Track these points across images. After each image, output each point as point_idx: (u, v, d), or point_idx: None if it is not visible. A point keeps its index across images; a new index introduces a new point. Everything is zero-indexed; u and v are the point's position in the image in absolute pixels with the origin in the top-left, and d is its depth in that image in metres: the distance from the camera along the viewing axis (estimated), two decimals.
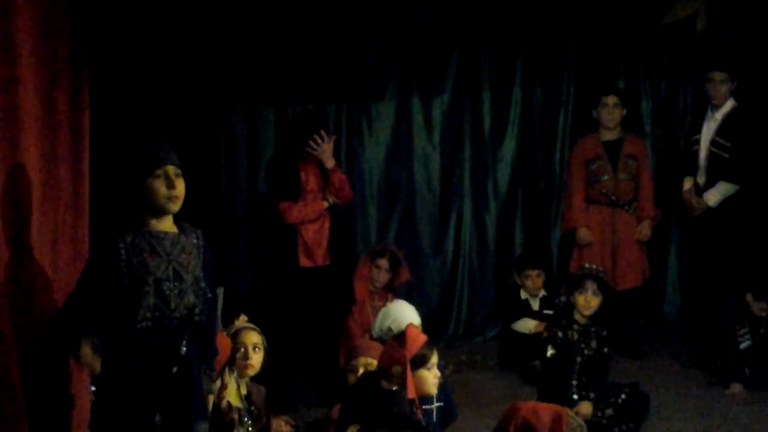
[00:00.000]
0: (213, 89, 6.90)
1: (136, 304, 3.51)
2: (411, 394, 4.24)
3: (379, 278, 6.38)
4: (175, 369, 3.50)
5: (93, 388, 4.34)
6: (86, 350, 3.80)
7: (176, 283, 3.58)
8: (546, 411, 3.32)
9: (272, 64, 7.01)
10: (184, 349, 3.53)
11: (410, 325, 4.82)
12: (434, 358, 4.41)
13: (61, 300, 3.72)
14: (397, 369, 4.18)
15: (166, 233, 3.63)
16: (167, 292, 3.55)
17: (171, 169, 3.60)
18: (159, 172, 3.58)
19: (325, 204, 6.01)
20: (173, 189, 3.58)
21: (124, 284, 3.51)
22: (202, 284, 3.65)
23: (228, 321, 4.95)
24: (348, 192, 6.11)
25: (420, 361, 4.35)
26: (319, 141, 5.89)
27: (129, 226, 3.60)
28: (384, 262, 6.39)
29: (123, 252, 3.53)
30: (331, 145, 5.97)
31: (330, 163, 5.96)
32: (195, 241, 3.70)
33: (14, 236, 3.51)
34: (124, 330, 3.51)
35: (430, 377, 4.38)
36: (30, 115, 3.55)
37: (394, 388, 4.12)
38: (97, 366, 3.69)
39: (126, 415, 3.50)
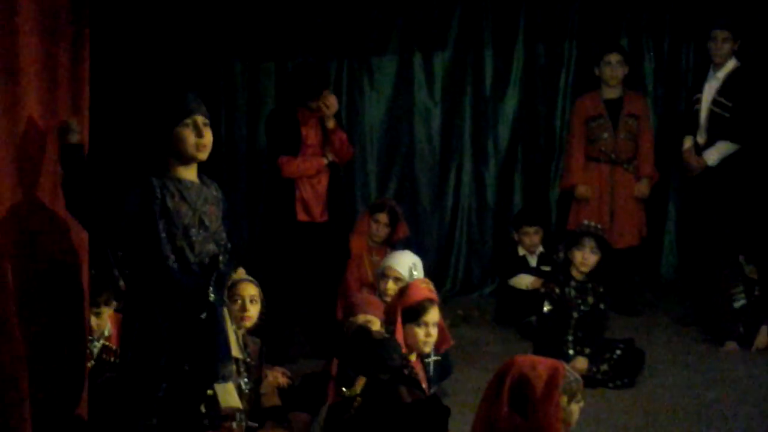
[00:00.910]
0: (213, 41, 6.87)
1: (163, 244, 3.55)
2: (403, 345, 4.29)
3: (377, 233, 6.41)
4: (204, 315, 3.56)
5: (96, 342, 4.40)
6: None
7: (201, 231, 3.62)
8: (543, 365, 3.35)
9: (273, 17, 6.98)
10: (212, 295, 3.59)
11: (418, 280, 4.85)
12: (429, 316, 4.40)
13: (62, 247, 3.75)
14: (391, 320, 4.23)
15: (192, 183, 3.67)
16: (193, 238, 3.60)
17: (200, 119, 3.64)
18: (188, 121, 3.61)
19: (325, 161, 6.01)
20: (201, 138, 3.62)
21: (156, 224, 3.54)
22: (223, 234, 3.71)
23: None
24: (348, 152, 6.11)
25: (411, 316, 4.37)
26: (329, 97, 5.87)
27: (156, 173, 3.63)
28: (383, 217, 6.41)
29: (158, 192, 3.58)
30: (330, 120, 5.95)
31: (331, 123, 5.95)
32: (215, 193, 3.76)
33: (16, 186, 3.52)
34: (154, 267, 3.56)
35: (420, 334, 4.39)
36: (30, 65, 3.54)
37: (385, 336, 4.16)
38: None
39: (156, 362, 3.56)
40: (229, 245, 3.74)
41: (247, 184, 7.10)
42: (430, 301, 4.48)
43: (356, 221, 6.58)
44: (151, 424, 3.57)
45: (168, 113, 3.63)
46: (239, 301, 4.58)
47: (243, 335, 4.59)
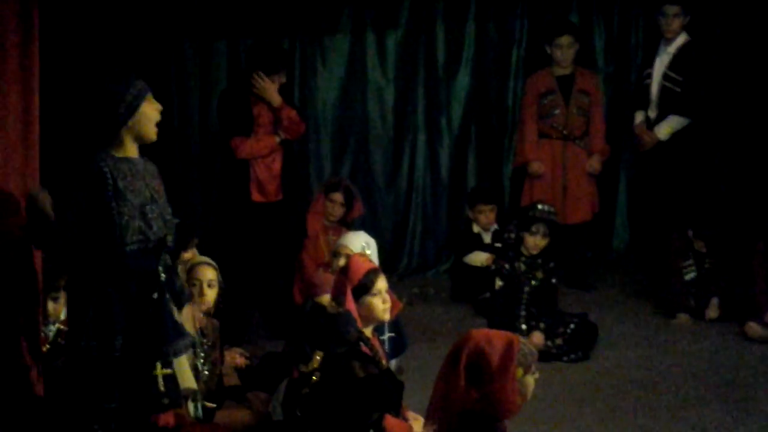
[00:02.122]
0: (163, 22, 6.79)
1: (124, 227, 3.54)
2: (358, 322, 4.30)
3: (333, 212, 6.41)
4: (156, 295, 3.56)
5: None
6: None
7: (154, 207, 3.63)
8: (498, 338, 3.38)
9: None
10: (163, 275, 3.59)
11: (354, 254, 4.87)
12: (379, 284, 4.43)
13: (13, 231, 3.71)
14: (340, 299, 4.24)
15: (138, 159, 3.68)
16: (149, 215, 3.60)
17: (151, 96, 3.69)
18: (149, 96, 3.66)
19: (277, 139, 5.99)
20: (158, 114, 3.68)
21: (113, 208, 3.53)
22: (168, 209, 3.71)
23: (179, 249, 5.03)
24: (298, 128, 6.07)
25: (364, 289, 4.39)
26: (258, 80, 5.84)
27: (104, 153, 3.61)
28: (338, 196, 6.41)
29: (109, 176, 3.55)
30: (274, 84, 5.90)
31: (276, 100, 5.91)
32: (153, 168, 3.76)
33: None
34: (112, 255, 3.54)
35: (378, 303, 4.41)
36: None
37: (340, 311, 4.18)
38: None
39: (109, 343, 3.54)
40: (174, 221, 3.73)
41: (200, 165, 7.04)
42: (374, 270, 4.52)
43: (311, 201, 6.57)
44: (111, 407, 3.56)
45: (136, 92, 3.62)
46: (197, 285, 4.57)
47: (199, 316, 4.58)
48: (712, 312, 6.31)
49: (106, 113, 3.59)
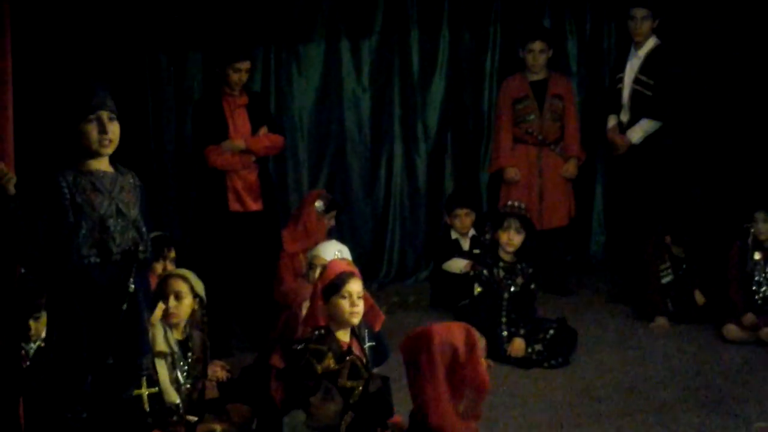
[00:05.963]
0: (138, 33, 6.76)
1: (81, 241, 3.57)
2: (321, 321, 4.32)
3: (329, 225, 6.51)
4: (125, 306, 3.56)
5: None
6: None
7: (119, 220, 3.66)
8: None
9: (198, 6, 6.89)
10: (133, 286, 3.60)
11: (334, 258, 4.88)
12: (350, 287, 4.40)
13: None
14: (313, 300, 4.27)
15: (105, 172, 3.70)
16: (111, 229, 3.63)
17: (104, 115, 3.67)
18: (92, 117, 3.65)
19: (252, 158, 5.99)
20: (105, 134, 3.66)
21: (69, 222, 3.57)
22: (141, 223, 3.73)
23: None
24: (275, 148, 6.12)
25: (333, 288, 4.39)
26: (217, 153, 5.87)
27: (67, 167, 3.65)
28: (331, 216, 6.51)
29: (66, 190, 3.59)
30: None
31: (240, 145, 5.92)
32: (131, 180, 3.79)
33: None
34: (70, 267, 3.56)
35: (345, 305, 4.39)
36: None
37: (319, 332, 4.21)
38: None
39: (78, 355, 3.55)
40: (144, 231, 3.74)
41: (176, 176, 7.01)
42: (349, 273, 4.50)
43: (291, 221, 6.55)
44: (80, 417, 3.56)
45: (72, 110, 3.66)
46: (166, 297, 4.55)
47: (186, 329, 4.57)
48: (699, 298, 6.37)
49: (61, 126, 3.64)
